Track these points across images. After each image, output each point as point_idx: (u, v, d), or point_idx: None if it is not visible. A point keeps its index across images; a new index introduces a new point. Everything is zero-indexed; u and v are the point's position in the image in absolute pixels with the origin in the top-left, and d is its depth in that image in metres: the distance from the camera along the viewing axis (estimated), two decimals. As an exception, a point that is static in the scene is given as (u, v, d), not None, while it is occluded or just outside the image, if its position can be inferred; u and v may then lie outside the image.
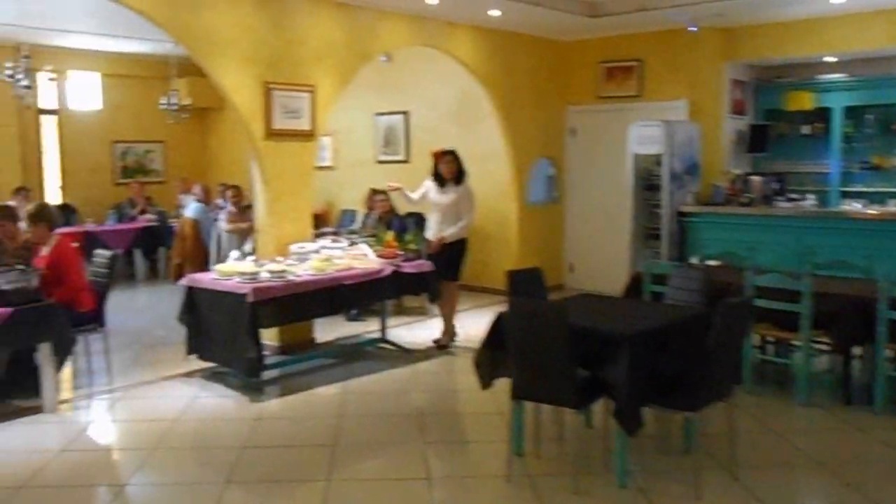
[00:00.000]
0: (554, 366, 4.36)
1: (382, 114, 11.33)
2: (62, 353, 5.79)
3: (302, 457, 5.05)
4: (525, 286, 5.39)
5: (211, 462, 4.97)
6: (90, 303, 6.34)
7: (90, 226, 11.10)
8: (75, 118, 12.36)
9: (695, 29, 8.97)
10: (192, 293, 6.58)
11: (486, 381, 5.00)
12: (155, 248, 11.65)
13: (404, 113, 11.10)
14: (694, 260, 7.64)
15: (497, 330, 4.91)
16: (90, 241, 10.59)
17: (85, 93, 12.29)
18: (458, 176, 7.50)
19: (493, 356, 4.94)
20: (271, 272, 6.39)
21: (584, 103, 10.50)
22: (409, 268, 7.22)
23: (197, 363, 6.71)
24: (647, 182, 9.36)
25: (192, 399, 6.15)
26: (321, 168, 10.37)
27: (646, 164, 9.35)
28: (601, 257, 10.39)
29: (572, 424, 5.28)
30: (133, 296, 10.55)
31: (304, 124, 7.47)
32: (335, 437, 5.34)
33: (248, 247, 8.81)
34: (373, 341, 7.78)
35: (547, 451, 5.05)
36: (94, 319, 6.40)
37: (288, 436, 5.43)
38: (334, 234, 9.40)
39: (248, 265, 6.58)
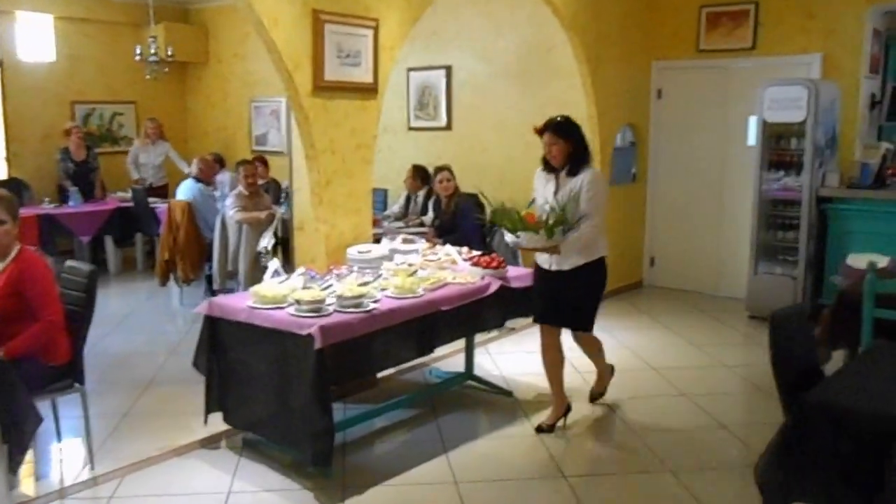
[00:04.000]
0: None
1: (416, 69, 9.06)
2: (18, 442, 3.51)
3: None
4: (790, 331, 3.37)
5: None
6: (66, 351, 4.03)
7: (48, 207, 8.77)
8: (23, 71, 9.89)
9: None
10: (217, 326, 4.37)
11: (778, 512, 2.95)
12: (130, 234, 9.28)
13: (446, 68, 8.86)
14: (857, 260, 5.67)
15: (797, 433, 2.88)
16: (48, 227, 8.51)
17: (35, 40, 9.83)
18: (575, 161, 4.58)
19: (788, 471, 2.89)
20: (342, 298, 4.19)
21: (676, 58, 8.39)
22: (516, 281, 5.08)
23: (220, 423, 4.54)
24: (776, 158, 7.36)
25: (226, 497, 3.97)
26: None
27: (772, 137, 7.35)
28: (689, 249, 8.54)
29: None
30: (105, 300, 7.90)
31: (364, 74, 5.24)
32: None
33: (265, 242, 6.57)
34: (455, 379, 5.62)
35: None
36: (68, 373, 4.07)
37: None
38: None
39: (302, 287, 4.36)
